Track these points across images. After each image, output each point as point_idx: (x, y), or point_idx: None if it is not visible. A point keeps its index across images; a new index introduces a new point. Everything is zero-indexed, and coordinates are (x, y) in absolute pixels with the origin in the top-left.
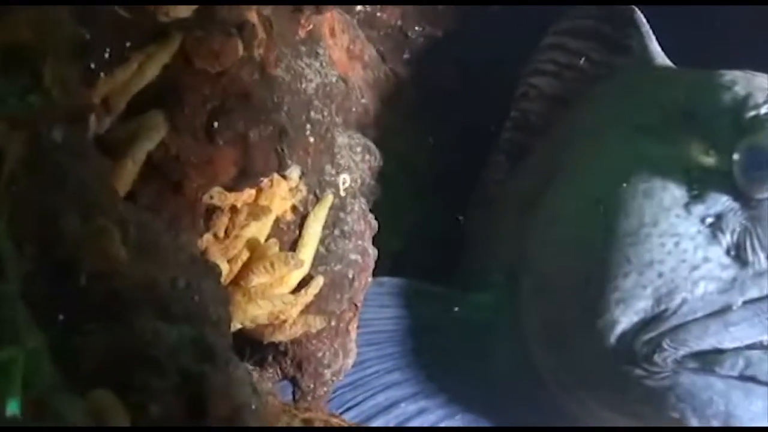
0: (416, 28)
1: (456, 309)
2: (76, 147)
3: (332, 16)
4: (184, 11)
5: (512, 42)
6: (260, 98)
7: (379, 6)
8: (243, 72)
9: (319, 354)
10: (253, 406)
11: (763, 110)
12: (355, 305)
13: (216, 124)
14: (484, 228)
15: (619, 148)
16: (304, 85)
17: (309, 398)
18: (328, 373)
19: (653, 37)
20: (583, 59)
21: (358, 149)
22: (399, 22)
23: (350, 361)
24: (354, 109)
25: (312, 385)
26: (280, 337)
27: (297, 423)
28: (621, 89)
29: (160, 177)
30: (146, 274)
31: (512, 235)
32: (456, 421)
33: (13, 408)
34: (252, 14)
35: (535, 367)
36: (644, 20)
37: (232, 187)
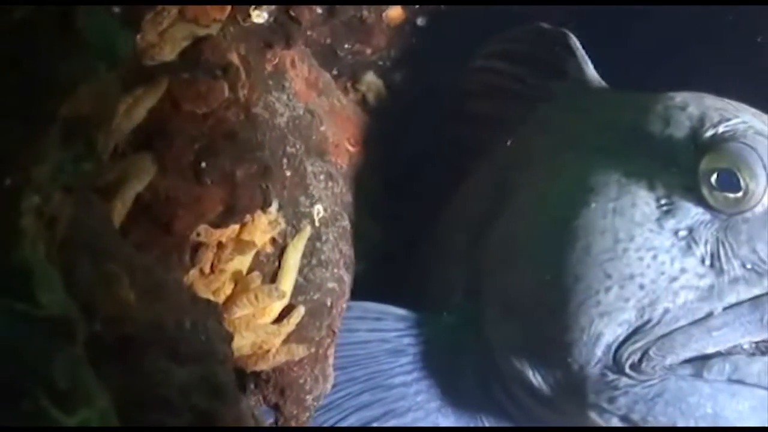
0: (345, 46)
1: (421, 330)
2: (81, 193)
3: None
4: (169, 54)
5: (444, 61)
6: (245, 137)
7: (309, 25)
8: (229, 113)
9: (301, 380)
10: None
11: (720, 129)
12: (333, 331)
13: (204, 164)
14: (433, 251)
15: (580, 170)
16: (278, 120)
17: (292, 424)
18: (309, 398)
19: (588, 61)
20: (516, 82)
21: (322, 177)
22: (328, 41)
23: (329, 386)
24: (314, 137)
25: (295, 411)
26: (263, 366)
27: None
28: (569, 112)
29: (149, 217)
30: (154, 317)
31: (464, 257)
32: None
33: None
34: (233, 55)
35: (504, 382)
36: (578, 44)
37: (219, 223)
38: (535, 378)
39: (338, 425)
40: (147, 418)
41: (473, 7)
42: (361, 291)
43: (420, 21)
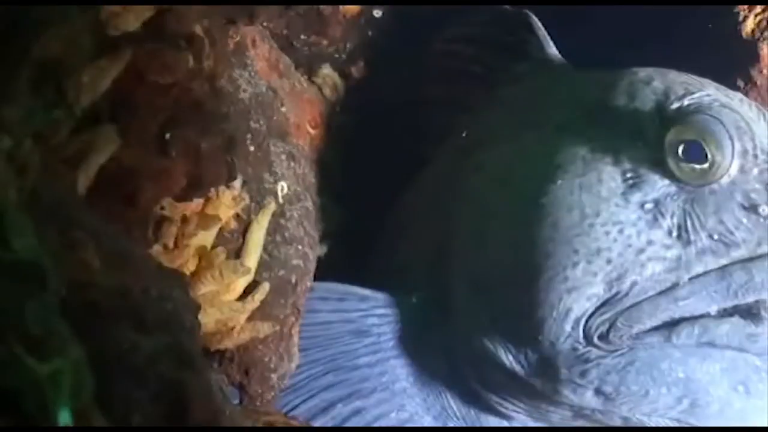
0: (302, 37)
1: (385, 310)
2: (46, 162)
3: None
4: (133, 24)
5: (402, 51)
6: (210, 109)
7: (267, 17)
8: (193, 84)
9: (266, 359)
10: (227, 411)
11: (686, 102)
12: (298, 309)
13: (168, 135)
14: (396, 234)
15: (545, 147)
16: (241, 95)
17: (257, 403)
18: (274, 377)
19: (550, 41)
20: (477, 65)
21: (283, 157)
22: (285, 32)
23: (294, 365)
24: (275, 118)
25: (260, 390)
26: (227, 343)
27: (261, 425)
28: (532, 92)
29: (113, 189)
30: (120, 284)
31: (427, 239)
32: (391, 420)
33: (64, 419)
34: (197, 27)
35: (472, 362)
36: (539, 24)
37: (183, 197)
38: (507, 356)
39: (302, 406)
40: (113, 386)
41: None
42: (323, 273)
43: (377, 12)
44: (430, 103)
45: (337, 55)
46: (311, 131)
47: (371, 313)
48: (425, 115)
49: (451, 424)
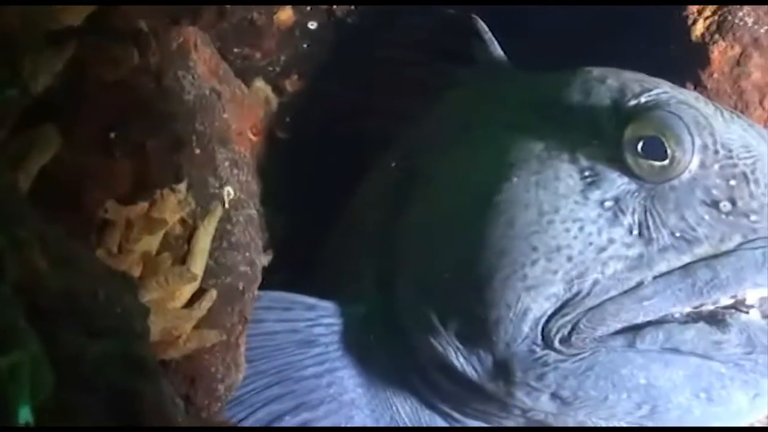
0: (235, 50)
1: (332, 320)
2: None
3: (194, 29)
4: (76, 18)
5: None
6: (157, 108)
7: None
8: (139, 81)
9: (212, 369)
10: (180, 420)
11: (643, 98)
12: (245, 318)
13: (113, 134)
14: (341, 244)
15: (497, 147)
16: (186, 97)
17: (203, 415)
18: (221, 388)
19: (497, 44)
20: (420, 70)
21: (227, 163)
22: (217, 44)
23: (241, 375)
24: (217, 124)
25: (206, 402)
26: (173, 353)
27: None
28: (479, 95)
29: (55, 191)
30: (67, 287)
31: (373, 248)
32: None
33: (24, 415)
34: (143, 23)
35: (422, 370)
36: (485, 28)
37: (128, 199)
38: (458, 360)
39: (249, 419)
40: (60, 393)
41: (366, 7)
42: (267, 283)
43: (312, 24)
44: (373, 110)
45: (270, 68)
46: (253, 138)
47: (318, 323)
48: (368, 122)
49: None
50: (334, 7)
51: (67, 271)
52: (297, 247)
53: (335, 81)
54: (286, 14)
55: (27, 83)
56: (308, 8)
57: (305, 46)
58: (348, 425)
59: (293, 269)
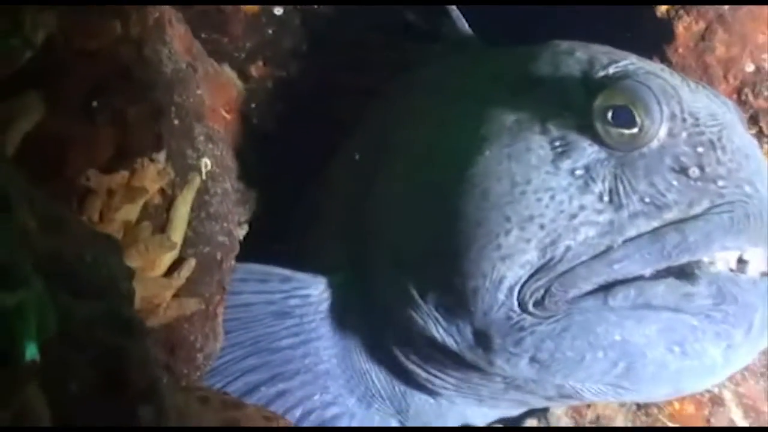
0: (202, 35)
1: (307, 291)
2: None
3: (169, 7)
4: None
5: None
6: (138, 76)
7: None
8: (121, 50)
9: (192, 338)
10: (164, 380)
11: (611, 69)
12: (223, 288)
13: (95, 102)
14: (312, 220)
15: (469, 121)
16: (164, 69)
17: (183, 383)
18: (200, 357)
19: (464, 20)
20: (388, 50)
21: (202, 138)
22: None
23: (219, 345)
24: (192, 99)
25: (185, 371)
26: (153, 322)
27: (193, 399)
28: (448, 70)
29: (37, 159)
30: (53, 248)
31: (345, 223)
32: (314, 402)
33: (32, 352)
34: None
35: (398, 341)
36: (453, 6)
37: (109, 168)
38: (437, 330)
39: (224, 390)
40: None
41: None
42: (242, 256)
43: (278, 10)
44: (342, 88)
45: (236, 54)
46: (226, 116)
47: (293, 294)
48: (337, 100)
49: (376, 405)
50: None
51: (54, 232)
52: (272, 221)
53: (304, 63)
54: None
55: (29, 35)
56: None
57: (271, 32)
58: (323, 396)
59: (268, 242)
